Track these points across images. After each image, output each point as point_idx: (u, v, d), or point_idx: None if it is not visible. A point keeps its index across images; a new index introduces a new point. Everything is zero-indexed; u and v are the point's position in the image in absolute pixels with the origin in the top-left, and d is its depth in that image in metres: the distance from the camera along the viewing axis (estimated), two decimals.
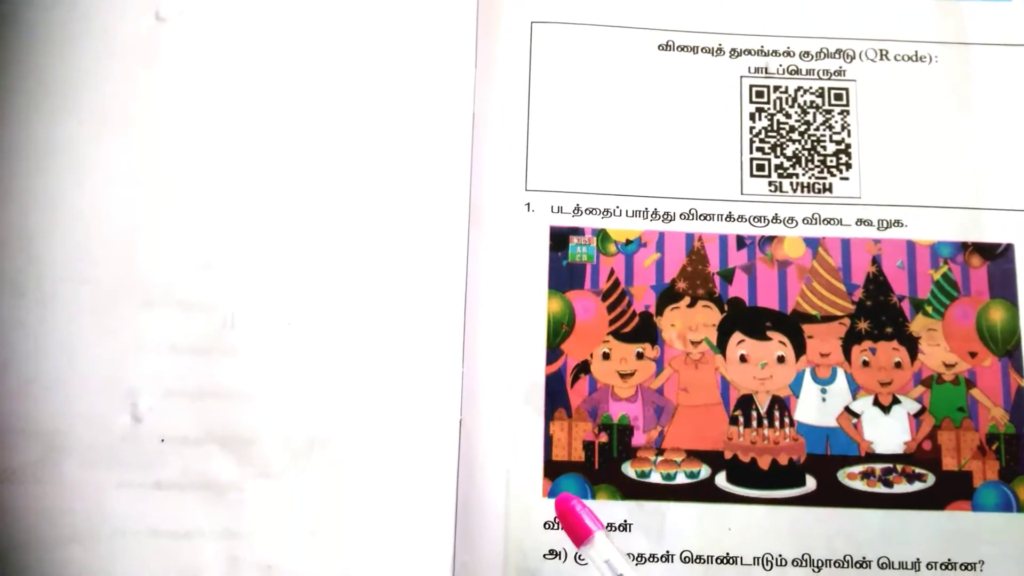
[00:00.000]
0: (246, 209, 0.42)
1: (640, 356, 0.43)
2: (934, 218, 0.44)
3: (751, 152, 0.45)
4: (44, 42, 0.43)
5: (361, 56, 0.44)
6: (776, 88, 0.45)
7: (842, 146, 0.45)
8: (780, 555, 0.41)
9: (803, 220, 0.44)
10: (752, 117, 0.45)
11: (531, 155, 0.44)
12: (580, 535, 0.35)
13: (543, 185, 0.44)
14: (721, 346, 0.43)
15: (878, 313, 0.43)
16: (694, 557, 0.40)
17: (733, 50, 0.46)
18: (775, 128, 0.45)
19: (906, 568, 0.40)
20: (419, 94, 0.44)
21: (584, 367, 0.42)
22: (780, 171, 0.44)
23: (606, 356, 0.42)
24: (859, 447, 0.42)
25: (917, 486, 0.41)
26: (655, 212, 0.44)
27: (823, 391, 0.42)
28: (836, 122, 0.45)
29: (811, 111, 0.45)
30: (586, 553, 0.35)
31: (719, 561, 0.40)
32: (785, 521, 0.41)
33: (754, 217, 0.44)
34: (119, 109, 0.43)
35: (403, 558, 0.40)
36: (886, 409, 0.42)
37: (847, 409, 0.42)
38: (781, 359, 0.43)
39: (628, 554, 0.40)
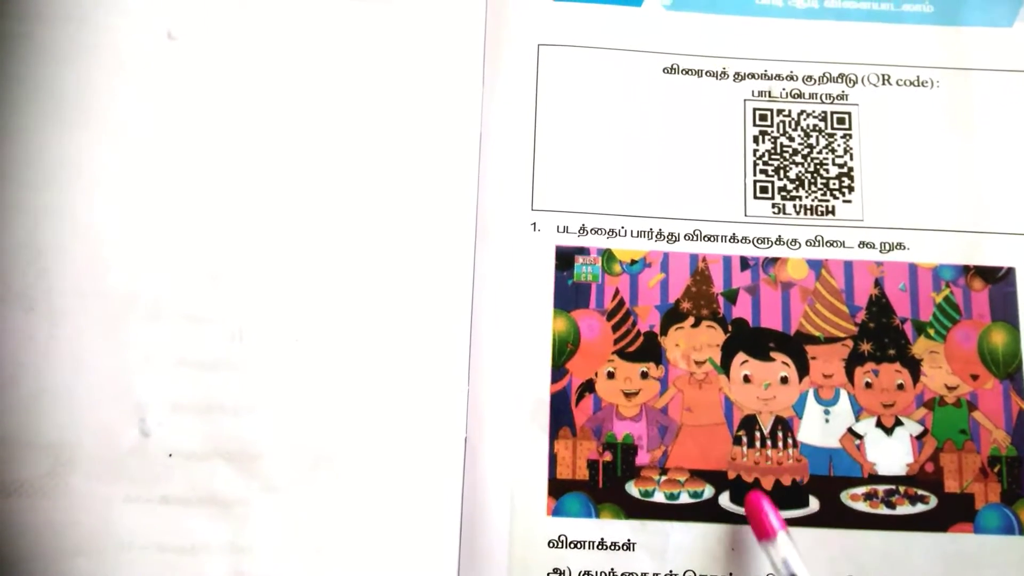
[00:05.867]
0: (255, 224, 0.43)
1: (644, 375, 0.43)
2: (936, 241, 0.44)
3: (755, 174, 0.45)
4: (56, 58, 0.44)
5: (369, 76, 0.44)
6: (779, 111, 0.46)
7: (844, 169, 0.45)
8: None
9: (806, 242, 0.44)
10: (756, 140, 0.45)
11: (537, 175, 0.44)
12: (766, 531, 0.39)
13: (549, 205, 0.44)
14: (725, 366, 0.43)
15: (881, 335, 0.43)
16: None
17: (737, 74, 0.46)
18: (778, 151, 0.45)
19: None
20: (427, 115, 0.44)
21: (589, 386, 0.43)
22: (783, 193, 0.45)
23: (611, 375, 0.43)
24: (862, 468, 0.42)
25: (920, 508, 0.42)
26: (660, 233, 0.44)
27: (826, 412, 0.43)
28: (839, 145, 0.45)
29: (814, 134, 0.45)
30: (766, 549, 0.39)
31: None
32: None
33: (758, 239, 0.44)
34: (129, 125, 0.43)
35: (407, 575, 0.40)
36: (889, 431, 0.42)
37: (850, 430, 0.42)
38: (784, 380, 0.43)
39: (631, 574, 0.40)
